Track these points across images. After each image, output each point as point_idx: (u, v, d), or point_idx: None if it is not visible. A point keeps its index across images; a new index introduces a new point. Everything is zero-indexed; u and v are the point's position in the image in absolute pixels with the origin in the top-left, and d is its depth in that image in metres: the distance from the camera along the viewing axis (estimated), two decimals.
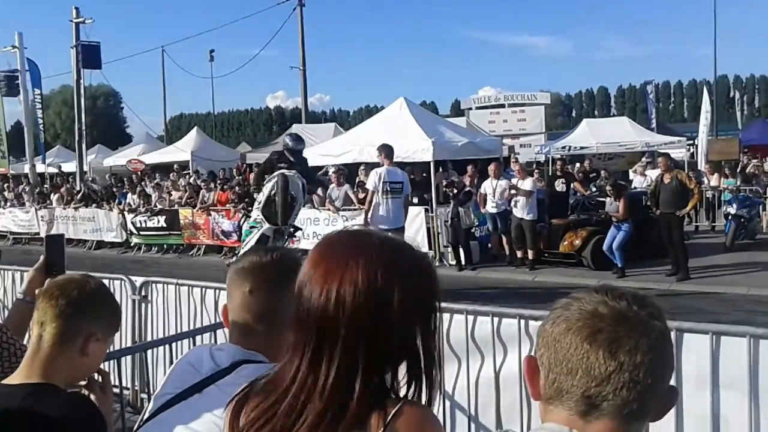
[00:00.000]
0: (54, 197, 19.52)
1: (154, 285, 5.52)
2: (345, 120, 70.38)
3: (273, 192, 8.60)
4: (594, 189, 14.99)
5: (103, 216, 17.37)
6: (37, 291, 1.79)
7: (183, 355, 1.63)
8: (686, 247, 10.57)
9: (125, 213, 16.78)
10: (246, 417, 1.12)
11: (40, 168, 25.15)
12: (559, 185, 13.39)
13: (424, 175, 13.32)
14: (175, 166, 21.33)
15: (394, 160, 9.70)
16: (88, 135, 26.66)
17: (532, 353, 1.11)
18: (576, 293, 1.08)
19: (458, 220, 11.65)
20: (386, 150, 9.44)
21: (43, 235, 16.75)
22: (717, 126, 30.83)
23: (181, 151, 23.60)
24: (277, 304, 1.44)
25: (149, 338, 5.35)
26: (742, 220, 12.85)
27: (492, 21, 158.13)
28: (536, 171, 14.40)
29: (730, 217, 12.86)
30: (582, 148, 21.05)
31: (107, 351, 1.84)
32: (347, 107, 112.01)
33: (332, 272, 1.07)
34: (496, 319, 3.81)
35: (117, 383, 3.26)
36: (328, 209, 12.99)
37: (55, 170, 26.38)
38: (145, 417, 1.48)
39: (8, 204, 20.84)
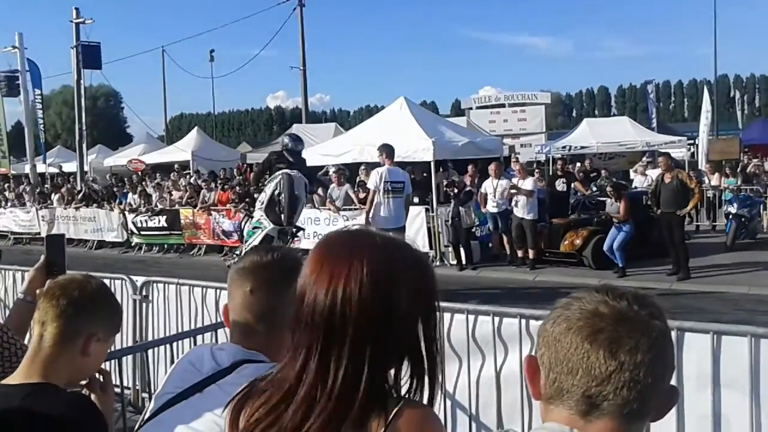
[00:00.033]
0: (55, 197, 19.53)
1: (155, 285, 5.52)
2: (345, 120, 70.41)
3: (277, 192, 8.57)
4: (594, 188, 14.99)
5: (104, 216, 17.39)
6: (38, 291, 1.79)
7: (184, 354, 1.63)
8: (687, 247, 10.56)
9: (126, 213, 16.79)
10: (249, 417, 1.12)
11: (41, 168, 25.18)
12: (560, 185, 13.38)
13: (425, 174, 13.31)
14: (176, 166, 21.32)
15: (395, 159, 9.70)
16: (89, 135, 26.68)
17: (533, 353, 1.11)
18: (576, 293, 1.08)
19: (459, 220, 11.65)
20: (387, 150, 9.44)
21: (43, 235, 16.77)
22: (717, 125, 30.81)
23: (181, 151, 23.62)
24: (277, 304, 1.44)
25: (150, 338, 5.35)
26: (743, 219, 12.85)
27: (492, 21, 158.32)
28: (537, 171, 14.39)
29: (730, 217, 12.87)
30: (582, 147, 21.04)
31: (108, 351, 1.84)
32: (347, 107, 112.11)
33: (337, 272, 1.07)
34: (496, 319, 3.81)
35: (118, 383, 3.26)
36: (329, 209, 13.00)
37: (55, 170, 26.41)
38: (146, 416, 1.48)
39: (9, 204, 20.85)
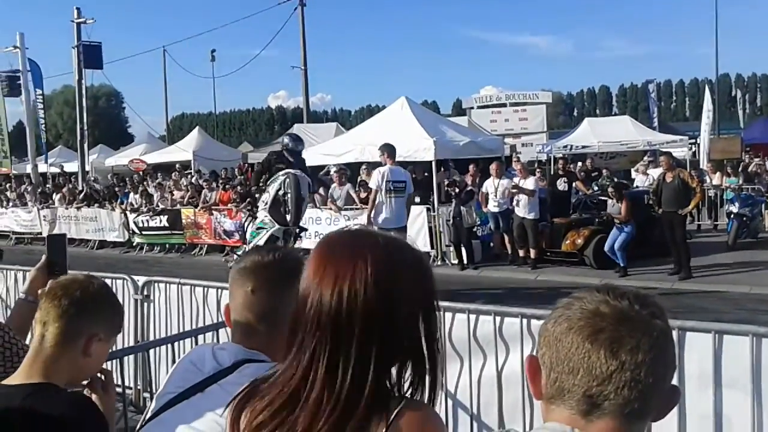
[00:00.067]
0: (56, 197, 19.54)
1: (156, 284, 5.52)
2: (346, 119, 70.56)
3: (281, 192, 8.53)
4: (596, 188, 14.98)
5: (106, 216, 17.39)
6: (39, 291, 1.79)
7: (185, 354, 1.63)
8: (688, 246, 10.55)
9: (127, 213, 16.80)
10: (251, 420, 1.11)
11: (42, 168, 25.19)
12: (561, 184, 13.37)
13: (426, 174, 13.31)
14: (177, 165, 21.32)
15: (396, 159, 9.70)
16: (90, 135, 26.70)
17: (534, 352, 1.11)
18: (578, 292, 1.08)
19: (460, 220, 11.64)
20: (389, 149, 9.44)
21: (45, 234, 16.79)
22: (719, 125, 30.82)
23: (182, 150, 23.64)
24: (279, 304, 1.45)
25: (152, 338, 5.35)
26: (745, 218, 12.84)
27: (492, 21, 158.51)
28: (538, 170, 14.38)
29: (732, 216, 12.85)
30: (584, 147, 21.00)
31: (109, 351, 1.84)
32: (349, 107, 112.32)
33: (342, 272, 1.06)
34: (498, 319, 3.81)
35: (119, 383, 3.26)
36: (330, 209, 13.00)
37: (57, 170, 26.41)
38: (148, 416, 1.48)
39: (11, 204, 20.85)
